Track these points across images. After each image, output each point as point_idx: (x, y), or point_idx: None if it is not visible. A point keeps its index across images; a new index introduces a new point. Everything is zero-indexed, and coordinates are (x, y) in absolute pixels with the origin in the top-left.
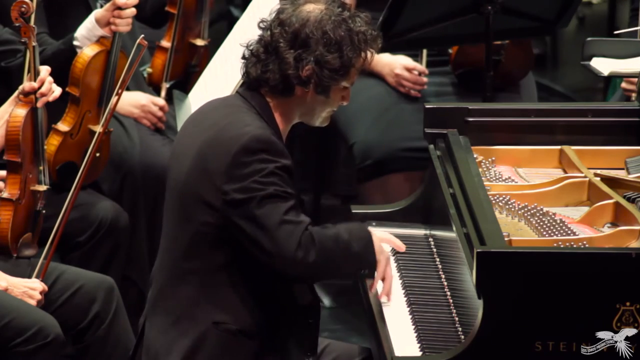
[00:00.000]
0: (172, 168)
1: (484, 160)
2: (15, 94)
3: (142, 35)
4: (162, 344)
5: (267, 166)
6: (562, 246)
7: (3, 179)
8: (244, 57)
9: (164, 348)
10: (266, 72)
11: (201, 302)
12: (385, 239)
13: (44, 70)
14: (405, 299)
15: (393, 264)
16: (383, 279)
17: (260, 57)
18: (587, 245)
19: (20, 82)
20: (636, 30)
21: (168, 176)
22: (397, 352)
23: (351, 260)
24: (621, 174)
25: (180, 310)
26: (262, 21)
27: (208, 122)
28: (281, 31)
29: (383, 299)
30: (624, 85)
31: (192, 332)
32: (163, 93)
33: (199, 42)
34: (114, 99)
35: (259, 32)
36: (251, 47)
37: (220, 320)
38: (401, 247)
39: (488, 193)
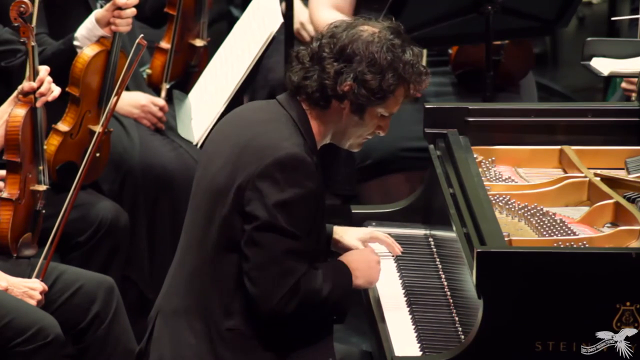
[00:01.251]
0: (202, 166)
1: (484, 160)
2: (15, 93)
3: (142, 35)
4: (175, 345)
5: (292, 191)
6: (562, 246)
7: (3, 179)
8: (288, 62)
9: (176, 349)
10: (306, 79)
11: (218, 305)
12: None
13: (43, 70)
14: (405, 299)
15: (393, 265)
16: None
17: (305, 65)
18: (587, 245)
19: (21, 82)
20: (636, 30)
21: (196, 174)
22: (397, 352)
23: (324, 313)
24: (621, 174)
25: (196, 312)
26: (317, 33)
27: (245, 125)
28: (329, 42)
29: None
30: (624, 85)
31: (205, 335)
32: (163, 93)
33: (198, 43)
34: (113, 99)
35: (260, 32)
36: (298, 54)
37: (234, 326)
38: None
39: (488, 193)
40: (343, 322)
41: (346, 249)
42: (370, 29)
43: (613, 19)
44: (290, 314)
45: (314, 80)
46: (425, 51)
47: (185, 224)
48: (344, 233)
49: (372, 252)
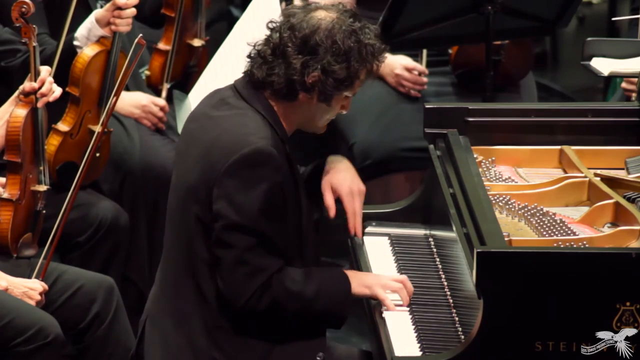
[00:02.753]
0: (175, 167)
1: (484, 160)
2: (16, 94)
3: (141, 35)
4: (165, 347)
5: (259, 188)
6: (562, 246)
7: (3, 186)
8: (249, 57)
9: (166, 351)
10: (271, 75)
11: (204, 304)
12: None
13: (44, 70)
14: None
15: (393, 263)
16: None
17: (267, 59)
18: (587, 245)
19: (21, 82)
20: (636, 30)
21: (173, 175)
22: (397, 352)
23: (311, 315)
24: (621, 174)
25: (184, 312)
26: (271, 21)
27: (211, 124)
28: (290, 35)
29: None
30: (624, 85)
31: (195, 334)
32: (164, 93)
33: (196, 43)
34: (112, 98)
35: (260, 32)
36: (258, 48)
37: (220, 324)
38: (405, 299)
39: (488, 193)
40: (339, 328)
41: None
42: (328, 16)
43: (613, 19)
44: (266, 311)
45: (280, 76)
46: (425, 51)
47: (167, 223)
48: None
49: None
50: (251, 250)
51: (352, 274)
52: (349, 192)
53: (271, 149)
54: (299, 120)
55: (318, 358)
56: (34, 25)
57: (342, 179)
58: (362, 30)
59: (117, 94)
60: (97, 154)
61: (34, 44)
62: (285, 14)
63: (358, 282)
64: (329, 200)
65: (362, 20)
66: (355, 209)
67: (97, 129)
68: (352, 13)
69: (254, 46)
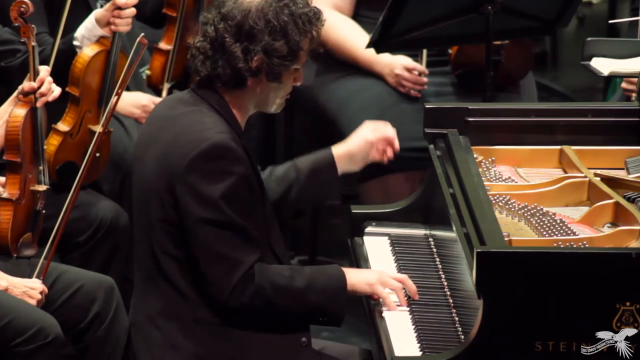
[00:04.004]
0: (135, 170)
1: (484, 160)
2: (15, 94)
3: (142, 34)
4: (148, 349)
5: (222, 181)
6: (562, 246)
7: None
8: (190, 55)
9: (150, 353)
10: (216, 69)
11: (180, 302)
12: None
13: (44, 70)
14: (406, 298)
15: (393, 263)
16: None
17: (208, 54)
18: (587, 245)
19: (21, 82)
20: (636, 30)
21: (132, 179)
22: (397, 352)
23: (305, 310)
24: (621, 174)
25: (161, 313)
26: (202, 16)
27: (167, 123)
28: (225, 26)
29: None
30: (624, 85)
31: (174, 332)
32: (164, 93)
33: None
34: (113, 98)
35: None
36: (197, 44)
37: (199, 316)
38: (412, 289)
39: (488, 193)
40: (339, 325)
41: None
42: None
43: (611, 22)
44: (255, 305)
45: (224, 67)
46: (425, 51)
47: (134, 228)
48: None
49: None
50: (226, 244)
51: (351, 270)
52: (375, 129)
53: (230, 141)
54: (254, 105)
55: (303, 340)
56: (33, 25)
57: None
58: (293, 1)
59: (119, 94)
60: (97, 154)
61: (33, 43)
62: (215, 5)
63: (358, 279)
64: (378, 153)
65: None
66: (388, 135)
67: (98, 129)
68: None
69: (192, 44)
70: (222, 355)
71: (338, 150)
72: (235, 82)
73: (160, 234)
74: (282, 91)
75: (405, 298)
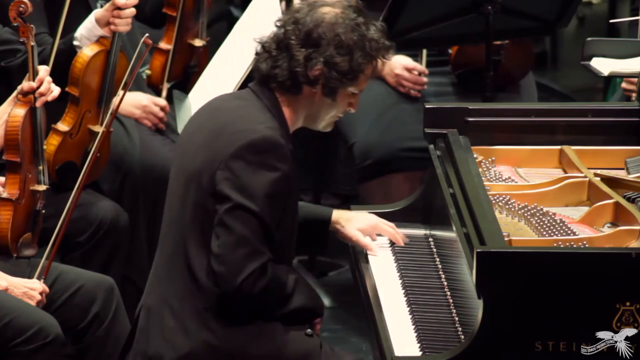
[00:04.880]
0: (178, 155)
1: (484, 160)
2: (14, 93)
3: (147, 35)
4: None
5: (265, 174)
6: (562, 246)
7: (2, 185)
8: (256, 53)
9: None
10: (275, 68)
11: (196, 287)
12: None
13: (43, 70)
14: (405, 299)
15: (393, 263)
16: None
17: (272, 53)
18: (587, 245)
19: (20, 82)
20: (636, 31)
21: (173, 163)
22: (397, 352)
23: (287, 309)
24: (621, 174)
25: (176, 296)
26: (278, 20)
27: (220, 113)
28: (294, 29)
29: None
30: (624, 85)
31: (187, 318)
32: (164, 93)
33: (197, 43)
34: (116, 98)
35: (260, 32)
36: (264, 43)
37: (212, 305)
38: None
39: (488, 193)
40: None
41: (346, 238)
42: (332, 10)
43: (611, 21)
44: (255, 297)
45: (284, 68)
46: (425, 51)
47: (164, 212)
48: (345, 222)
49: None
50: (253, 233)
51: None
52: (374, 223)
53: (280, 138)
54: (304, 114)
55: (308, 331)
56: (32, 25)
57: (360, 220)
58: (366, 25)
59: (122, 95)
60: (98, 154)
61: (32, 43)
62: (291, 10)
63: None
64: (367, 241)
65: (368, 16)
66: (391, 232)
67: (101, 129)
68: (357, 8)
69: (260, 42)
70: (231, 344)
71: (337, 215)
72: (290, 84)
73: (191, 219)
74: (334, 110)
75: (405, 298)
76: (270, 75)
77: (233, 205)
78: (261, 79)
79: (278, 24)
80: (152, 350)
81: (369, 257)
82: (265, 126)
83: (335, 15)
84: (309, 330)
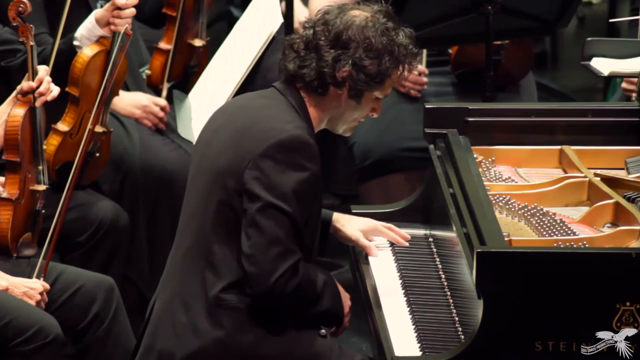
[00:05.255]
0: (199, 153)
1: (484, 160)
2: (14, 93)
3: (128, 25)
4: (168, 325)
5: (294, 173)
6: (562, 246)
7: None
8: (282, 52)
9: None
10: (303, 68)
11: (210, 285)
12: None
13: (42, 69)
14: (405, 299)
15: (393, 263)
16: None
17: (300, 53)
18: (587, 245)
19: (20, 82)
20: (636, 30)
21: (192, 162)
22: (397, 352)
23: (316, 310)
24: (621, 174)
25: (190, 293)
26: (307, 21)
27: (245, 112)
28: (324, 30)
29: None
30: (624, 85)
31: (199, 315)
32: (164, 93)
33: (197, 43)
34: (100, 95)
35: (260, 32)
36: (292, 43)
37: (228, 302)
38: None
39: (488, 193)
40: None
41: (347, 238)
42: (362, 14)
43: (611, 20)
44: (288, 296)
45: (312, 68)
46: (425, 51)
47: (183, 209)
48: (346, 222)
49: (348, 298)
50: (285, 233)
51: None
52: (374, 225)
53: (309, 138)
54: (328, 115)
55: (322, 332)
56: (32, 25)
57: (359, 222)
58: (395, 30)
59: (114, 92)
60: (97, 154)
61: (32, 43)
62: (321, 11)
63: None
64: (367, 242)
65: (397, 21)
66: (390, 235)
67: (99, 128)
68: (387, 13)
69: (287, 41)
70: (243, 343)
71: (338, 216)
72: (317, 85)
73: (214, 216)
74: (357, 113)
75: (405, 298)
76: (298, 75)
77: (264, 205)
78: (288, 78)
79: (307, 25)
80: (162, 345)
81: (369, 257)
82: (294, 125)
83: (365, 18)
84: (322, 331)
